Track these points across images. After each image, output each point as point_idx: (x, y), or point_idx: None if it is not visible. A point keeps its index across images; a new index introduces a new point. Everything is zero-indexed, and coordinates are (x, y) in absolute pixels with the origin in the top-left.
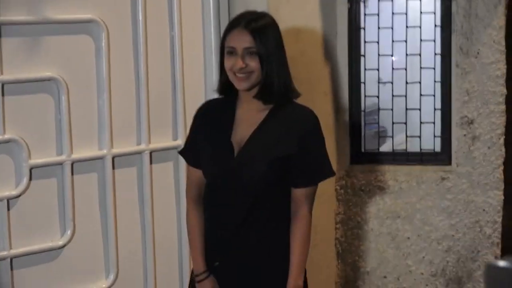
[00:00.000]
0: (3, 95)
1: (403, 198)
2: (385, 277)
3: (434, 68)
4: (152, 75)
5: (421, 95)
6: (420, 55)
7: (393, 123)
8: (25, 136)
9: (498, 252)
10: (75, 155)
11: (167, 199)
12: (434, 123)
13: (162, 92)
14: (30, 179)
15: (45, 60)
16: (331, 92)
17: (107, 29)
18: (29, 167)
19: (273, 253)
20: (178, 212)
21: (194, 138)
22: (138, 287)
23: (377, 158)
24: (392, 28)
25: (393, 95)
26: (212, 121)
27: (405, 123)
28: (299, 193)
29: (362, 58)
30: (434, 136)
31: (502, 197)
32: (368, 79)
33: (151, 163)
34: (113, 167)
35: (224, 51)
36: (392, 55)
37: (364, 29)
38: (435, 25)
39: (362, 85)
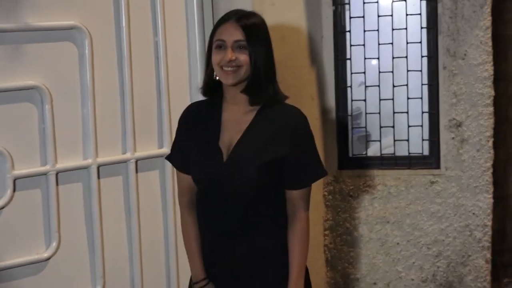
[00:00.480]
0: None
1: (392, 203)
2: (375, 283)
3: (421, 71)
4: (136, 82)
5: (408, 98)
6: (406, 57)
7: (380, 126)
8: (8, 147)
9: (489, 256)
10: (60, 165)
11: (154, 208)
12: (422, 126)
13: (146, 99)
14: (14, 190)
15: (28, 68)
16: (318, 96)
17: (90, 35)
18: (13, 178)
19: (270, 258)
20: (164, 221)
21: (180, 143)
22: None
23: (365, 162)
24: (377, 31)
25: (380, 99)
26: (198, 125)
27: (393, 127)
28: (295, 195)
29: (348, 62)
30: (422, 140)
31: (492, 200)
32: (354, 82)
33: (136, 171)
34: (99, 177)
35: (211, 47)
36: (378, 58)
37: (349, 32)
38: (421, 27)
39: (349, 89)
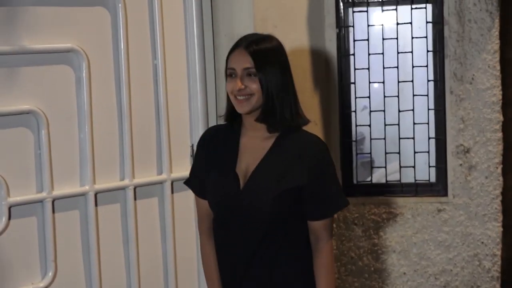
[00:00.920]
0: None
1: (398, 232)
2: None
3: (427, 95)
4: (135, 106)
5: (414, 123)
6: (412, 81)
7: (385, 152)
8: (3, 173)
9: (498, 286)
10: (56, 192)
11: (152, 236)
12: (428, 152)
13: (145, 124)
14: (9, 218)
15: (24, 92)
16: (321, 121)
17: (88, 58)
18: (8, 206)
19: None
20: (163, 250)
21: (198, 167)
22: None
23: (370, 190)
24: (382, 54)
25: (385, 124)
26: (215, 149)
27: (398, 153)
28: (317, 226)
29: (352, 86)
30: (429, 166)
31: (501, 229)
32: (359, 107)
33: (135, 199)
34: (96, 204)
35: (227, 75)
36: (383, 82)
37: (353, 55)
38: (428, 50)
39: (353, 113)
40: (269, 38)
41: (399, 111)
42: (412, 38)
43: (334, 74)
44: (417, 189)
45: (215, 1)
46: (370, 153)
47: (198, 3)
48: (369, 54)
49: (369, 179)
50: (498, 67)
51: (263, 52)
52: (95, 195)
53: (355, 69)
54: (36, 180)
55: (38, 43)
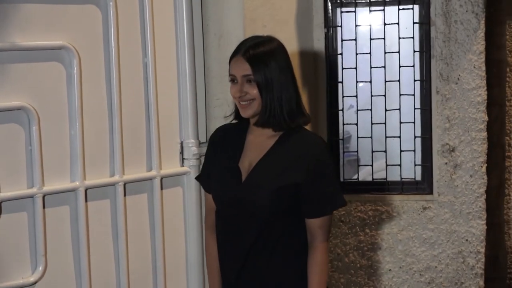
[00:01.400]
0: None
1: (383, 229)
2: None
3: (413, 95)
4: (125, 103)
5: (400, 122)
6: (399, 81)
7: (372, 151)
8: None
9: (482, 283)
10: (47, 188)
11: (142, 232)
12: (414, 151)
13: (135, 121)
14: (0, 213)
15: (15, 89)
16: None
17: (78, 55)
18: None
19: (284, 284)
20: (153, 245)
21: (207, 164)
22: None
23: (357, 187)
24: (370, 54)
25: (372, 123)
26: (223, 146)
27: (385, 151)
28: (313, 224)
29: (339, 85)
30: (415, 165)
31: (485, 227)
32: (346, 106)
33: (125, 195)
34: (86, 200)
35: None
36: (370, 81)
37: (341, 55)
38: (414, 51)
39: (340, 112)
40: (268, 40)
41: (386, 110)
42: (399, 38)
43: (322, 73)
44: (403, 187)
45: (205, 1)
46: (357, 151)
47: (188, 2)
48: (356, 54)
49: (355, 177)
50: (484, 68)
51: (260, 57)
52: (85, 191)
53: (342, 68)
54: (27, 175)
55: (29, 40)
